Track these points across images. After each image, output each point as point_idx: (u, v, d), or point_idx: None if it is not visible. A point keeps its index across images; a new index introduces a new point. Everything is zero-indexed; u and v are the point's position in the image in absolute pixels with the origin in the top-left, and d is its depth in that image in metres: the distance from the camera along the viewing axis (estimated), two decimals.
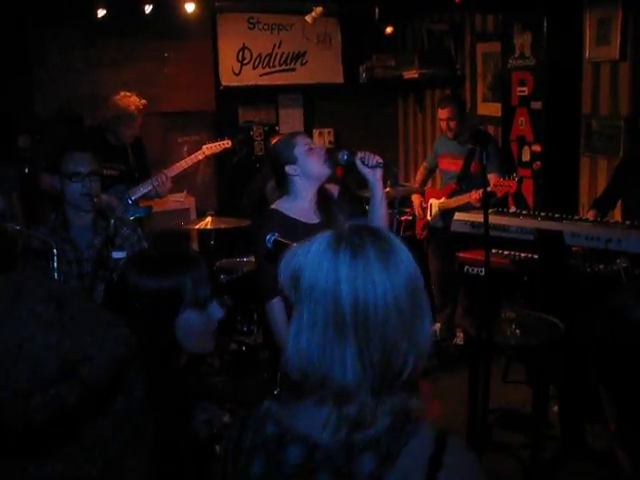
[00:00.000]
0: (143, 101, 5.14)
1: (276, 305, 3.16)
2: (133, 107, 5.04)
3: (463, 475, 1.26)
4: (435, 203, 5.96)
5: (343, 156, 3.23)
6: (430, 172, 6.41)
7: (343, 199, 3.43)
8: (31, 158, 5.95)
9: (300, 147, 3.26)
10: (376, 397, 1.26)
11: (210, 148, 5.54)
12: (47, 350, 0.79)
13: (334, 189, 3.46)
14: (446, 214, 5.67)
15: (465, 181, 5.72)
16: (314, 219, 3.26)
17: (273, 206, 3.32)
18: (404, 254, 1.32)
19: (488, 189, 5.31)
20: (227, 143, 5.60)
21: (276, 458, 1.30)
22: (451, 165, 5.93)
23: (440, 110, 5.95)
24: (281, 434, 1.32)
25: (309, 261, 1.29)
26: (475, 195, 5.41)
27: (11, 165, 5.69)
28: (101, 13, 5.55)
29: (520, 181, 5.34)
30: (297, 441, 1.30)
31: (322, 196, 3.34)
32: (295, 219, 3.22)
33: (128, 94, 5.13)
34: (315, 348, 1.26)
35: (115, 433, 0.81)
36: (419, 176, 6.47)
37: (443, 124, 5.92)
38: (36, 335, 0.79)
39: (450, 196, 5.80)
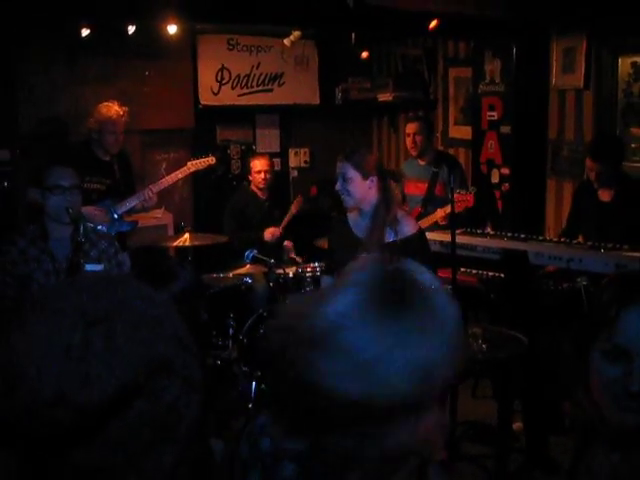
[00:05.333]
0: (125, 108, 5.24)
1: (324, 280, 4.01)
2: (114, 114, 5.14)
3: None
4: None
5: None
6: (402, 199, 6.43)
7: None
8: (11, 172, 6.02)
9: None
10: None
11: (195, 164, 5.63)
12: (47, 377, 0.88)
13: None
14: None
15: (430, 204, 5.76)
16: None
17: None
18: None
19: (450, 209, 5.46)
20: (211, 160, 5.69)
21: (271, 472, 1.38)
22: (415, 189, 5.96)
23: (408, 125, 6.05)
24: (276, 450, 1.39)
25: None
26: (441, 213, 5.45)
27: None
28: (85, 32, 5.66)
29: (479, 194, 5.45)
30: (291, 458, 1.36)
31: None
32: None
33: (109, 104, 5.24)
34: None
35: (134, 433, 0.93)
36: None
37: (409, 140, 5.97)
38: (45, 363, 0.89)
39: (416, 220, 5.85)
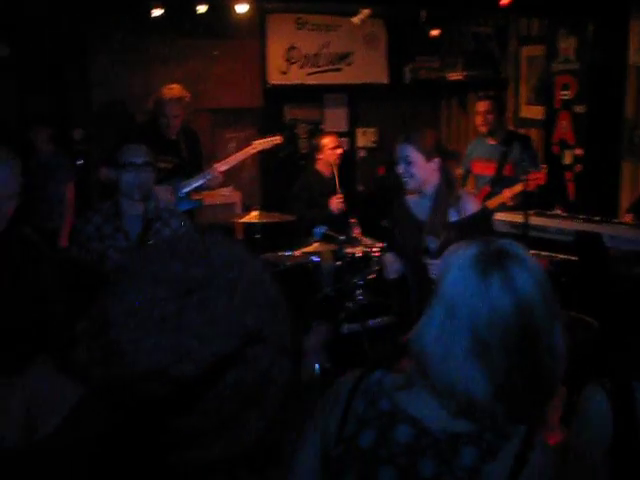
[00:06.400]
0: (185, 93, 5.20)
1: (387, 256, 3.89)
2: (166, 97, 5.10)
3: (546, 473, 1.36)
4: None
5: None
6: (465, 178, 6.24)
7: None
8: (85, 151, 6.16)
9: None
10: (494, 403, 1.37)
11: (261, 144, 5.62)
12: (142, 352, 0.90)
13: None
14: None
15: (499, 184, 5.62)
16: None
17: None
18: (535, 269, 1.42)
19: (520, 187, 5.35)
20: (278, 139, 5.69)
21: (386, 434, 1.41)
22: (485, 169, 5.87)
23: (480, 103, 5.93)
24: (394, 412, 1.43)
25: (452, 276, 1.41)
26: (508, 193, 5.32)
27: (66, 157, 5.90)
28: (156, 12, 5.73)
29: (552, 172, 5.32)
30: (407, 421, 1.41)
31: None
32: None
33: (172, 86, 5.22)
34: (441, 354, 1.38)
35: (227, 400, 0.93)
36: None
37: (479, 118, 5.87)
38: (141, 336, 0.91)
39: (484, 200, 5.76)
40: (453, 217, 3.57)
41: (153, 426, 0.92)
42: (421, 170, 3.58)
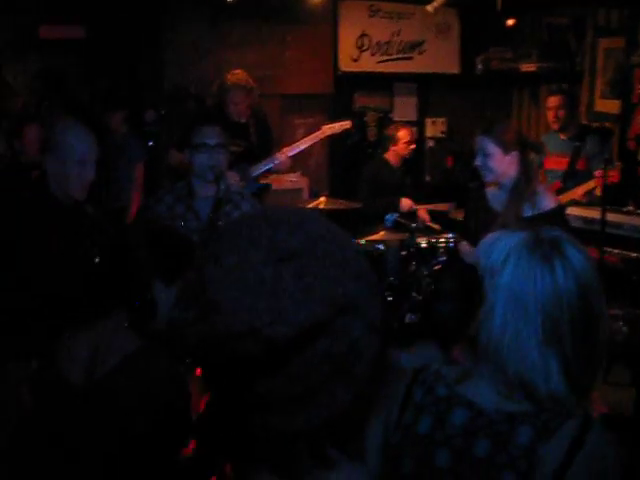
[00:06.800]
0: (249, 79, 5.20)
1: (463, 245, 3.94)
2: (229, 83, 5.11)
3: (601, 459, 1.35)
4: None
5: None
6: None
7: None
8: (156, 133, 6.25)
9: None
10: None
11: (330, 128, 5.62)
12: (240, 311, 0.93)
13: None
14: None
15: (571, 179, 5.50)
16: None
17: None
18: (584, 252, 1.45)
19: (593, 184, 5.24)
20: (347, 124, 5.68)
21: (442, 418, 1.44)
22: (556, 164, 5.73)
23: (550, 98, 5.84)
24: (450, 396, 1.46)
25: (512, 264, 1.42)
26: (580, 191, 5.20)
27: (138, 138, 6.00)
28: None
29: (626, 169, 5.18)
30: (463, 405, 1.44)
31: None
32: None
33: (236, 71, 5.24)
34: (509, 341, 1.39)
35: (315, 368, 0.95)
36: None
37: (551, 114, 5.77)
38: (238, 296, 0.93)
39: (555, 195, 5.66)
40: (527, 212, 3.53)
41: (241, 385, 0.95)
42: (498, 163, 3.56)
